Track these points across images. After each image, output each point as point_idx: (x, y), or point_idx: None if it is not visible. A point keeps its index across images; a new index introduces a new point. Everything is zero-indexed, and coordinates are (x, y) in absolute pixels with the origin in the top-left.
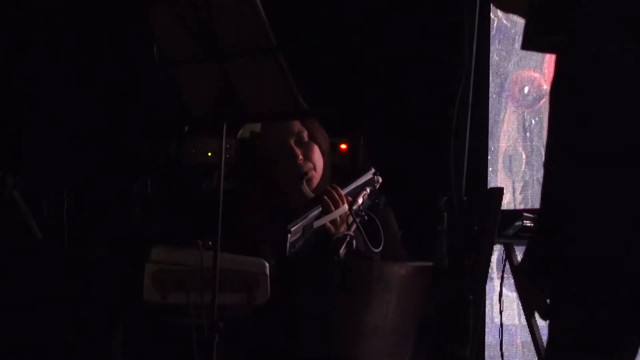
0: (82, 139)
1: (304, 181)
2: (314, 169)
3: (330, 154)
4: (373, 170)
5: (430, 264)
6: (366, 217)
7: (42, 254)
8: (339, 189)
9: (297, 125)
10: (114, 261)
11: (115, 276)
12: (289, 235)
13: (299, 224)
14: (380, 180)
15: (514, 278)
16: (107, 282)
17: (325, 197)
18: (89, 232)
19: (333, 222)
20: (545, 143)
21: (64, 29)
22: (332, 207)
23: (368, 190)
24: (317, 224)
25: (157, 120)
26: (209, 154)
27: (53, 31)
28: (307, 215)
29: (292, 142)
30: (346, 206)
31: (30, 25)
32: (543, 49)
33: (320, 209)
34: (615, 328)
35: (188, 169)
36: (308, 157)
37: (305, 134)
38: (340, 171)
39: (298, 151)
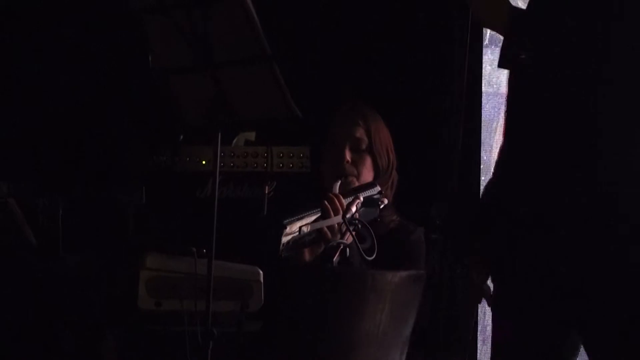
0: (77, 146)
1: (339, 182)
2: (357, 177)
3: (392, 172)
4: (378, 188)
5: (423, 272)
6: (360, 226)
7: (37, 261)
8: (342, 197)
9: (360, 131)
10: (108, 268)
11: (109, 283)
12: (284, 231)
13: (296, 222)
14: (386, 201)
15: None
16: (101, 288)
17: (326, 202)
18: (84, 239)
19: (330, 228)
20: None
21: (59, 35)
22: (332, 214)
23: (362, 198)
24: (313, 226)
25: (152, 128)
26: (203, 162)
27: (48, 37)
28: (305, 216)
29: (347, 145)
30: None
31: (26, 30)
32: (516, 66)
33: (318, 212)
34: (553, 328)
35: (182, 177)
36: (356, 163)
37: (364, 144)
38: None
39: (348, 154)
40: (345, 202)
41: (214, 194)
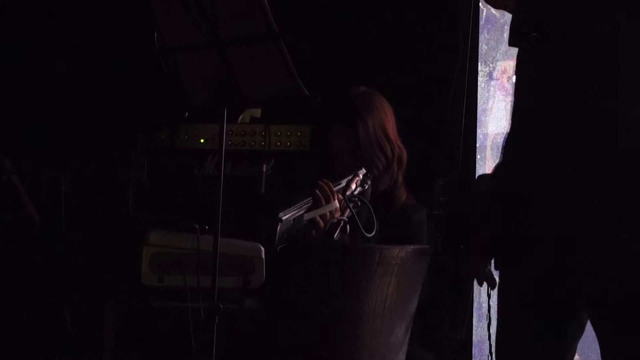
0: (80, 123)
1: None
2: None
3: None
4: (364, 170)
5: (429, 247)
6: (359, 203)
7: (40, 237)
8: (331, 184)
9: (353, 137)
10: (110, 244)
11: (112, 259)
12: (280, 224)
13: (290, 214)
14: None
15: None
16: (103, 264)
17: (318, 191)
18: (87, 216)
19: (322, 216)
20: None
21: (64, 10)
22: (324, 202)
23: (361, 175)
24: (307, 216)
25: (157, 105)
26: (202, 140)
27: (52, 13)
28: (299, 206)
29: (342, 153)
30: (336, 202)
31: (27, 10)
32: (527, 45)
33: (310, 201)
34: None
35: (181, 155)
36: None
37: (360, 156)
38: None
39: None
40: (334, 188)
41: (217, 171)
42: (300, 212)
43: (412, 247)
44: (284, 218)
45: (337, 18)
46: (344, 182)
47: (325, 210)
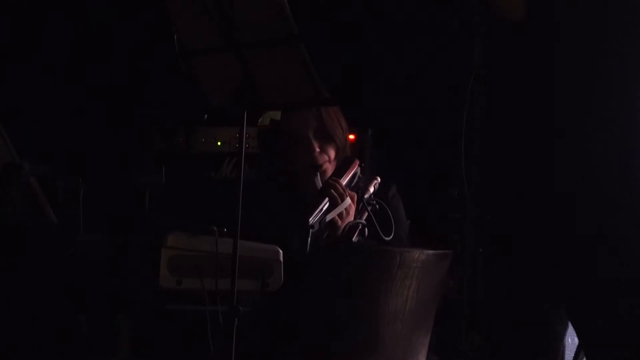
0: (97, 127)
1: (318, 173)
2: (329, 161)
3: (347, 147)
4: (357, 161)
5: (449, 251)
6: (377, 206)
7: (57, 240)
8: (341, 181)
9: (317, 117)
10: (128, 247)
11: (130, 262)
12: (311, 230)
13: (317, 219)
14: (379, 179)
15: None
16: (121, 267)
17: (333, 191)
18: (104, 219)
19: (339, 215)
20: None
21: (81, 14)
22: (339, 200)
23: (379, 179)
24: (328, 217)
25: (173, 109)
26: (219, 143)
27: (70, 16)
28: (321, 209)
29: (310, 134)
30: (349, 199)
31: (48, 7)
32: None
33: (327, 201)
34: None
35: (198, 158)
36: (324, 150)
37: (324, 128)
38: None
39: (315, 143)
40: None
41: (234, 174)
42: (323, 214)
43: (432, 251)
44: (313, 223)
45: (354, 24)
46: (348, 177)
47: (342, 208)
